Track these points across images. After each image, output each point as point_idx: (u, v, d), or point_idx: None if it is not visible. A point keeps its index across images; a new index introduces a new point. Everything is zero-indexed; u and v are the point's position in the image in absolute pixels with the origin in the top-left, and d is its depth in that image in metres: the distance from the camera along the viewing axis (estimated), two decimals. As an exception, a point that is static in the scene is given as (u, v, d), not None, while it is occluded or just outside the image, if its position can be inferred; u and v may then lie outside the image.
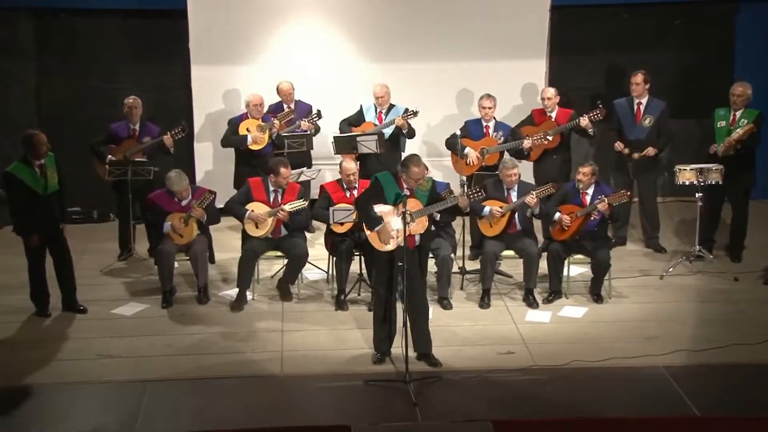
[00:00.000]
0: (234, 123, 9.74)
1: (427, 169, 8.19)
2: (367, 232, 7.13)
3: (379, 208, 7.06)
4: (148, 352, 7.44)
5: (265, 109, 9.82)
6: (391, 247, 7.01)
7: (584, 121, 9.17)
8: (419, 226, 7.06)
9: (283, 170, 8.30)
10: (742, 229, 9.38)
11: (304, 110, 9.97)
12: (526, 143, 9.29)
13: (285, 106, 10.01)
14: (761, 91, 9.57)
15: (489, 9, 10.67)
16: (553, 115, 9.48)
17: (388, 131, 9.66)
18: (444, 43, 10.68)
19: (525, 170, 9.56)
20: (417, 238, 7.08)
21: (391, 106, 9.82)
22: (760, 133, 9.03)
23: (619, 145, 9.46)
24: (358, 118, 9.82)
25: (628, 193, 8.41)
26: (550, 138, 9.27)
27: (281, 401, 6.71)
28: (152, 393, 6.75)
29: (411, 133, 9.80)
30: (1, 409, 6.57)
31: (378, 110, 9.82)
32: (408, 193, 7.03)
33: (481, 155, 9.28)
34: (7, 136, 10.36)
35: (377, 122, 9.76)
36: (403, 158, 7.26)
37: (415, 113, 9.57)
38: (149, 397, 6.68)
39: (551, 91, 9.52)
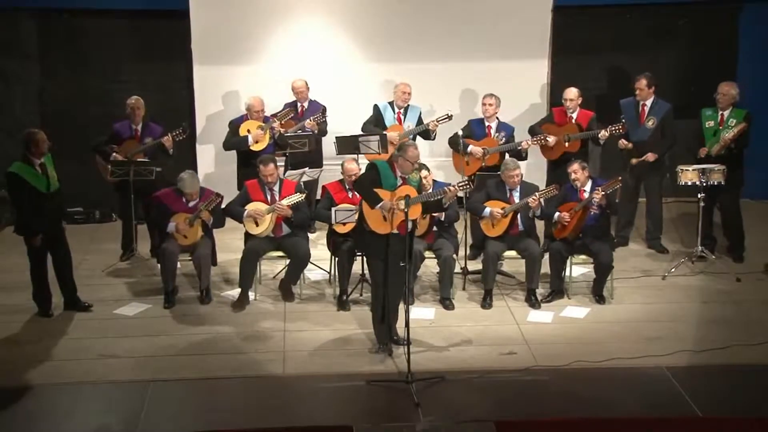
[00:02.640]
0: (234, 125, 9.72)
1: (429, 170, 8.23)
2: (369, 220, 7.09)
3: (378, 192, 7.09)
4: (150, 352, 7.44)
5: (277, 109, 9.83)
6: (394, 221, 7.01)
7: (604, 134, 9.13)
8: (414, 212, 7.05)
9: (261, 167, 8.37)
10: (737, 227, 9.39)
11: (316, 110, 9.96)
12: (525, 144, 9.29)
13: (299, 104, 10.01)
14: (764, 92, 9.57)
15: (491, 9, 10.68)
16: (574, 116, 9.45)
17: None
18: (445, 43, 10.68)
19: (539, 172, 9.59)
20: (409, 225, 7.06)
21: (408, 106, 9.84)
22: (750, 132, 9.04)
23: (623, 143, 9.45)
24: (377, 119, 9.81)
25: (620, 178, 8.40)
26: (549, 139, 9.26)
27: (283, 401, 6.71)
28: (155, 393, 6.75)
29: (434, 135, 9.84)
30: (3, 409, 6.57)
31: (396, 110, 9.82)
32: (401, 181, 7.10)
33: (482, 156, 9.28)
34: (9, 135, 10.37)
35: (396, 122, 9.75)
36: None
37: (449, 117, 9.60)
38: (152, 397, 6.68)
39: (574, 92, 9.45)
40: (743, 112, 9.07)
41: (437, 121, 9.62)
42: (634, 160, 9.39)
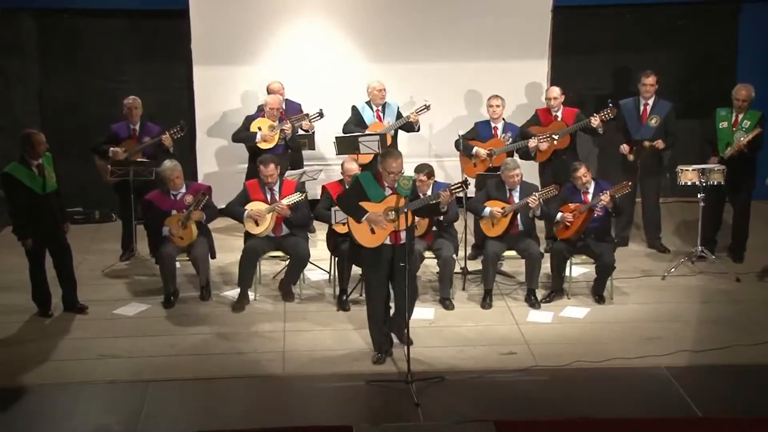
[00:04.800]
0: (249, 119, 9.76)
1: (431, 176, 8.19)
2: (356, 234, 7.07)
3: (365, 205, 7.03)
4: (150, 352, 7.44)
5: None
6: (382, 235, 6.96)
7: (596, 121, 9.17)
8: (404, 221, 6.96)
9: (262, 168, 8.38)
10: (743, 229, 9.40)
11: (295, 109, 9.97)
12: (531, 143, 9.30)
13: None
14: (764, 92, 9.57)
15: (490, 9, 10.68)
16: (559, 114, 9.48)
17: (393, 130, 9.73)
18: (446, 43, 10.68)
19: (533, 171, 9.59)
20: (403, 235, 6.98)
21: (385, 103, 9.85)
22: (763, 135, 9.05)
23: (624, 148, 9.45)
24: (357, 120, 9.82)
25: (630, 183, 8.41)
26: (556, 137, 9.27)
27: (283, 401, 6.72)
28: (154, 393, 6.75)
29: (418, 127, 9.86)
30: (3, 409, 6.58)
31: (375, 109, 9.83)
32: (390, 191, 7.00)
33: (489, 156, 9.29)
34: (9, 135, 10.36)
35: (377, 120, 9.77)
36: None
37: (428, 107, 9.62)
38: (151, 397, 6.68)
39: (556, 91, 9.52)
40: (758, 114, 9.04)
41: (417, 112, 9.66)
42: (646, 143, 9.35)
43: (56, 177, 8.01)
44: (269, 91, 10.03)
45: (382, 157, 7.02)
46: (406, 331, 7.02)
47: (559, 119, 9.46)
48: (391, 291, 7.19)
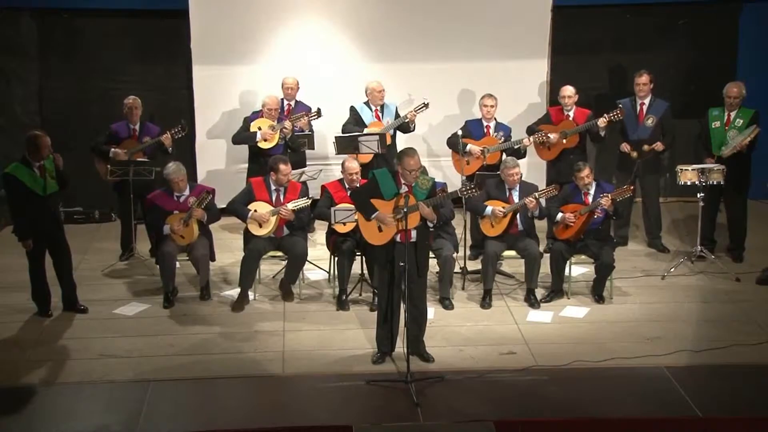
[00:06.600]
0: (247, 120, 9.77)
1: (426, 172, 8.18)
2: (364, 231, 7.10)
3: (375, 202, 7.04)
4: (149, 352, 7.44)
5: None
6: (389, 233, 6.96)
7: (603, 121, 9.16)
8: (412, 220, 6.95)
9: (282, 167, 8.33)
10: (742, 228, 9.40)
11: (301, 111, 9.96)
12: (526, 141, 9.30)
13: (285, 102, 10.01)
14: (764, 91, 9.57)
15: (490, 9, 10.67)
16: (571, 114, 9.47)
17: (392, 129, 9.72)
18: (445, 43, 10.68)
19: (540, 169, 9.59)
20: (413, 234, 6.99)
21: (383, 104, 9.85)
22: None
23: (625, 147, 9.46)
24: (356, 120, 9.81)
25: (632, 187, 8.41)
26: (551, 136, 9.27)
27: (283, 401, 6.71)
28: (154, 393, 6.75)
29: (413, 127, 9.84)
30: (3, 409, 6.57)
31: (373, 109, 9.83)
32: (406, 189, 7.00)
33: (482, 154, 9.29)
34: (9, 135, 10.38)
35: (375, 119, 9.77)
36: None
37: (426, 105, 9.61)
38: (151, 397, 6.68)
39: (570, 90, 9.49)
40: (751, 112, 9.04)
41: (415, 111, 9.64)
42: (646, 147, 9.35)
43: (62, 179, 8.00)
44: (282, 85, 9.96)
45: (399, 156, 7.02)
46: (405, 329, 6.94)
47: (570, 118, 9.45)
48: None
